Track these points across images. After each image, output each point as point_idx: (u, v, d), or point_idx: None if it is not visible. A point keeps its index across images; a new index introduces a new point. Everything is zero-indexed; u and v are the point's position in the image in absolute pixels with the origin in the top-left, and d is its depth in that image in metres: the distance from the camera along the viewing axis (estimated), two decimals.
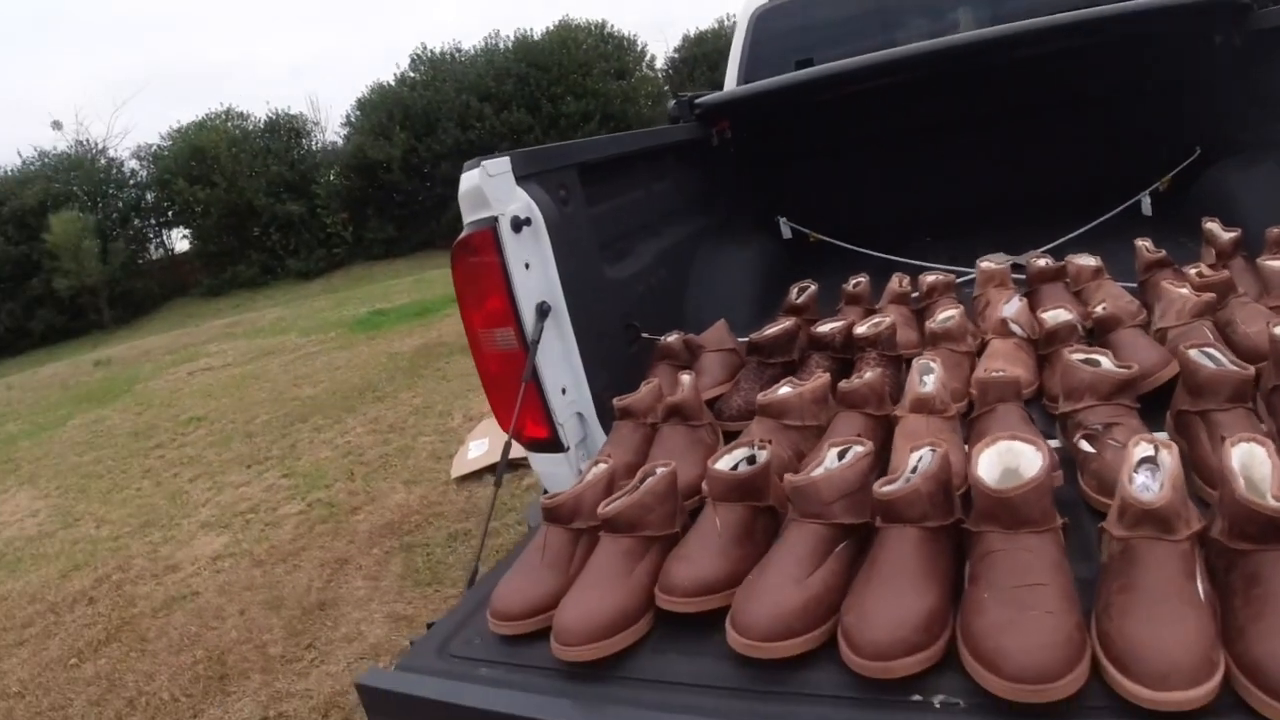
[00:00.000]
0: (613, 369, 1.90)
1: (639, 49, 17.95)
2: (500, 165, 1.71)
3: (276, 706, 2.72)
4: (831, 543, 1.07)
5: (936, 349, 1.66)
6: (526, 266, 1.71)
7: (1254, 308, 1.69)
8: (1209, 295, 1.65)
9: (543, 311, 1.71)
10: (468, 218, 1.72)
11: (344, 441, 5.24)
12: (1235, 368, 1.27)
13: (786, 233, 3.27)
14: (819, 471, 1.12)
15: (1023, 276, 2.15)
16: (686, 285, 2.55)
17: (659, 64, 18.97)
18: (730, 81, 3.61)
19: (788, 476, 1.11)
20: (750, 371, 1.81)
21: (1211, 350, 1.37)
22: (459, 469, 4.25)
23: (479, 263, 1.71)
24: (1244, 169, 2.57)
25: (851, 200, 3.41)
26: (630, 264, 2.24)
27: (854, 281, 2.24)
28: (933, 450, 1.08)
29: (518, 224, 1.69)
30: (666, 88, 17.68)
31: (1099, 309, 1.67)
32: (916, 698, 0.91)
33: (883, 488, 1.02)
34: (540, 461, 1.85)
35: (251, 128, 17.86)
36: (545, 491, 1.75)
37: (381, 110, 15.74)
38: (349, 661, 2.86)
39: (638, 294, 2.19)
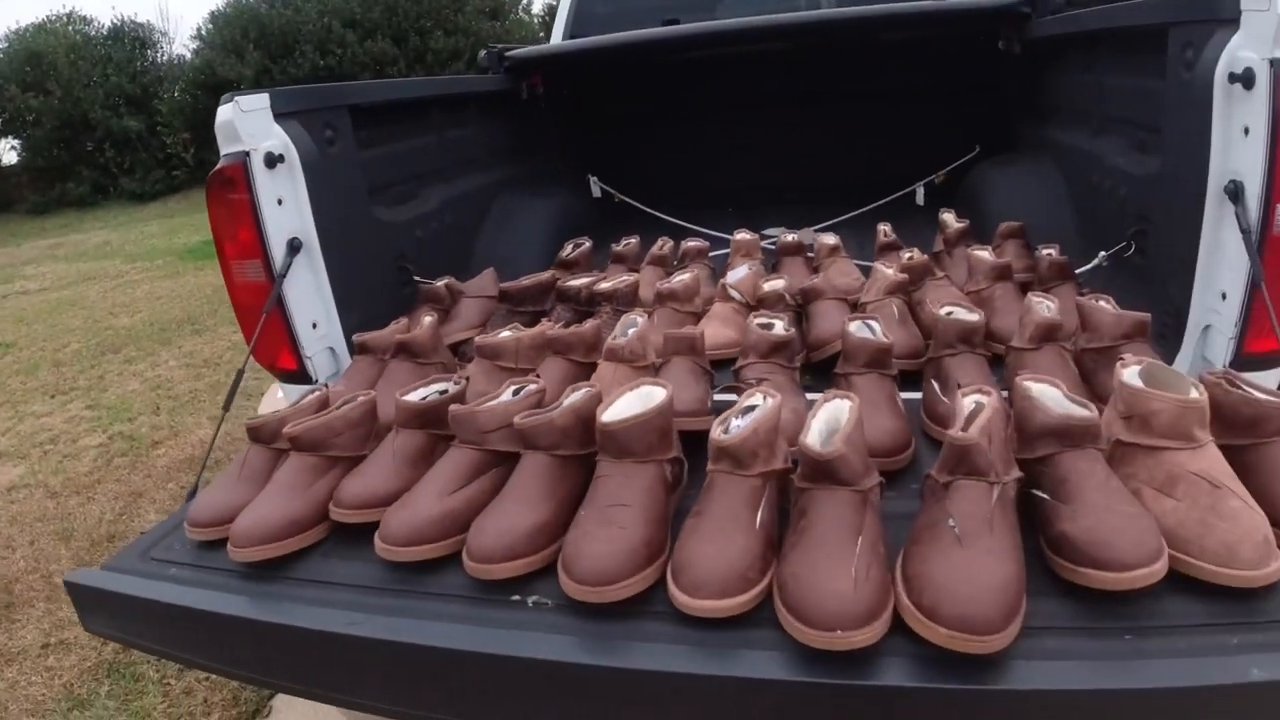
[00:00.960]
0: (377, 307, 1.97)
1: None
2: (256, 101, 1.75)
3: (59, 634, 2.71)
4: (483, 466, 1.19)
5: (662, 306, 1.81)
6: (279, 202, 1.76)
7: (946, 290, 1.90)
8: (903, 276, 1.85)
9: (293, 247, 1.76)
10: (222, 150, 1.75)
11: (155, 374, 5.08)
12: (879, 339, 1.45)
13: (596, 191, 3.38)
14: (487, 404, 1.24)
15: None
16: (478, 233, 2.62)
17: (535, 9, 18.63)
18: (556, 36, 3.66)
19: (452, 407, 1.22)
20: (500, 318, 1.92)
21: (873, 323, 1.56)
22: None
23: (230, 196, 1.74)
24: (1000, 167, 2.82)
25: (664, 165, 3.54)
26: (412, 207, 2.29)
27: (624, 242, 2.37)
28: (588, 391, 1.21)
29: (271, 160, 1.73)
30: (541, 34, 17.41)
31: (807, 282, 1.86)
32: (515, 597, 1.05)
33: (522, 418, 1.14)
34: (292, 393, 1.91)
35: (94, 34, 16.54)
36: None
37: (236, 26, 14.68)
38: None
39: (416, 237, 2.25)
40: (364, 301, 1.94)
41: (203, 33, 15.89)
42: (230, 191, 1.74)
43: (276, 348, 1.84)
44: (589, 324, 1.62)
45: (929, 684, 0.89)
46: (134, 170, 15.21)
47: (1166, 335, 1.69)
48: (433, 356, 1.66)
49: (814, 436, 1.07)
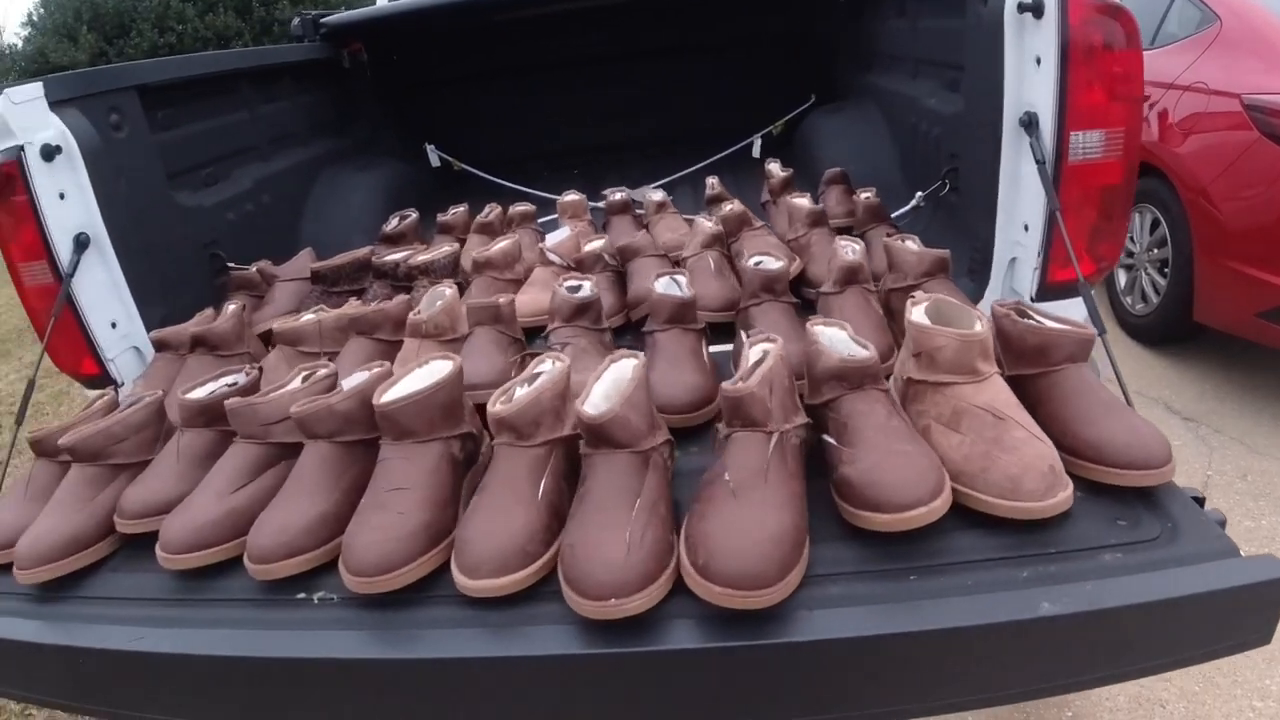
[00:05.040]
0: (187, 300, 1.87)
1: None
2: (29, 91, 1.64)
3: None
4: (268, 461, 1.15)
5: (479, 275, 1.77)
6: (61, 196, 1.65)
7: (763, 239, 1.92)
8: (718, 228, 1.86)
9: (81, 243, 1.66)
10: None
11: None
12: (678, 294, 1.44)
13: (435, 160, 3.28)
14: (269, 395, 1.19)
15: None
16: (303, 212, 2.52)
17: None
18: None
19: (229, 400, 1.17)
20: (314, 299, 1.84)
21: (680, 278, 1.57)
22: None
23: (8, 195, 1.63)
24: (829, 115, 2.86)
25: (507, 130, 3.46)
26: (221, 190, 2.18)
27: (451, 211, 2.31)
28: (375, 372, 1.18)
29: (49, 153, 1.62)
30: None
31: (623, 240, 1.85)
32: (301, 595, 1.02)
33: (299, 407, 1.10)
34: None
35: None
36: None
37: (68, 8, 13.72)
38: None
39: (228, 222, 2.14)
40: (170, 294, 1.84)
41: (34, 18, 14.87)
42: (8, 191, 1.63)
43: (76, 353, 1.73)
44: (397, 300, 1.58)
45: (707, 644, 0.88)
46: None
47: (976, 270, 1.74)
48: (236, 348, 1.59)
49: (594, 400, 1.06)
